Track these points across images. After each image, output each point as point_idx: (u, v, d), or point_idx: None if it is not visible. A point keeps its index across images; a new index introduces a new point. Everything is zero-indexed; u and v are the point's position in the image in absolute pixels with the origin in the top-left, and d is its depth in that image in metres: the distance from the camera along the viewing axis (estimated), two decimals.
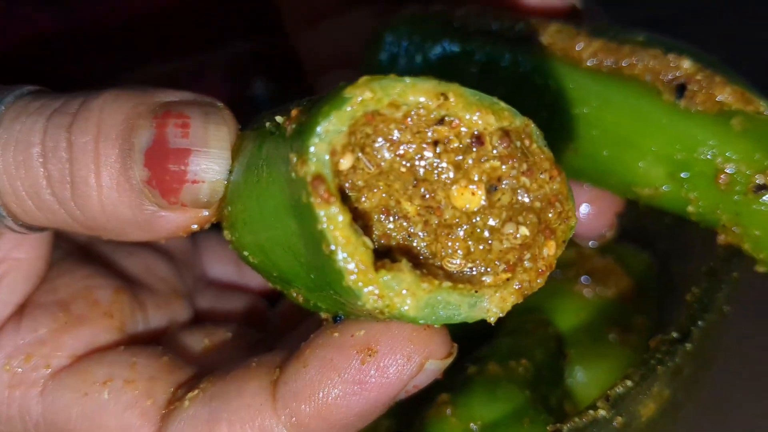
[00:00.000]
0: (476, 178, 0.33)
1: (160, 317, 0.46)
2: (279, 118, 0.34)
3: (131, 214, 0.37)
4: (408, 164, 0.33)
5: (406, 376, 0.36)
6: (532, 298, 0.56)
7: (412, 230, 0.34)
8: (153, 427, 0.39)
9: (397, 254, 0.33)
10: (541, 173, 0.33)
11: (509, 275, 0.34)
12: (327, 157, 0.31)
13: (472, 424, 0.46)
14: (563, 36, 0.45)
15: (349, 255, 0.31)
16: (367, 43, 0.50)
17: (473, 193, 0.33)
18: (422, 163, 0.33)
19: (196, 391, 0.39)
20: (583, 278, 0.55)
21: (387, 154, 0.33)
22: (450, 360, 0.37)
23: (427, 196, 0.34)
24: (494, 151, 0.33)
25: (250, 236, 0.37)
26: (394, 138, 0.33)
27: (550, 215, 0.34)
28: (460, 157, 0.33)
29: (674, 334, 0.43)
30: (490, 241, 0.34)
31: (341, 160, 0.32)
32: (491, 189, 0.33)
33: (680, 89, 0.42)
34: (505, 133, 0.33)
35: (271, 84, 0.62)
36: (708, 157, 0.41)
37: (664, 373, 0.42)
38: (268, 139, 0.35)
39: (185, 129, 0.36)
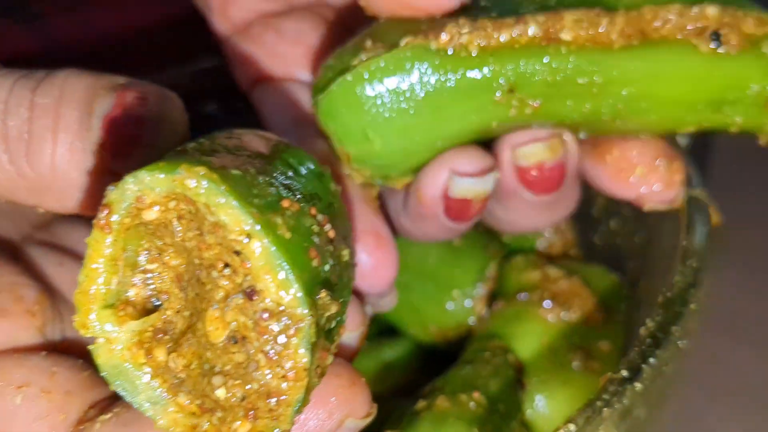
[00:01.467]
0: (228, 320, 0.31)
1: (77, 333, 0.45)
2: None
3: (78, 176, 0.37)
4: (204, 261, 0.32)
5: (326, 431, 0.35)
6: (491, 324, 0.54)
7: (178, 312, 0.32)
8: None
9: (154, 322, 0.32)
10: (281, 368, 0.31)
11: (196, 412, 0.32)
12: (128, 202, 0.31)
13: None
14: (584, 25, 0.42)
15: (87, 276, 0.32)
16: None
17: (217, 329, 0.31)
18: (212, 271, 0.31)
19: (109, 415, 0.38)
20: (545, 302, 0.53)
21: (194, 240, 0.32)
22: (369, 419, 0.36)
23: (197, 298, 0.32)
24: (257, 314, 0.31)
25: None
26: (205, 234, 0.31)
27: (262, 403, 0.31)
28: (232, 297, 0.31)
29: (624, 373, 0.41)
30: (204, 376, 0.32)
31: (150, 212, 0.31)
32: (232, 340, 0.31)
33: (715, 37, 0.43)
34: (279, 310, 0.30)
35: (227, 102, 0.61)
36: (758, 90, 0.43)
37: (610, 416, 0.40)
38: None
39: (144, 101, 0.37)
